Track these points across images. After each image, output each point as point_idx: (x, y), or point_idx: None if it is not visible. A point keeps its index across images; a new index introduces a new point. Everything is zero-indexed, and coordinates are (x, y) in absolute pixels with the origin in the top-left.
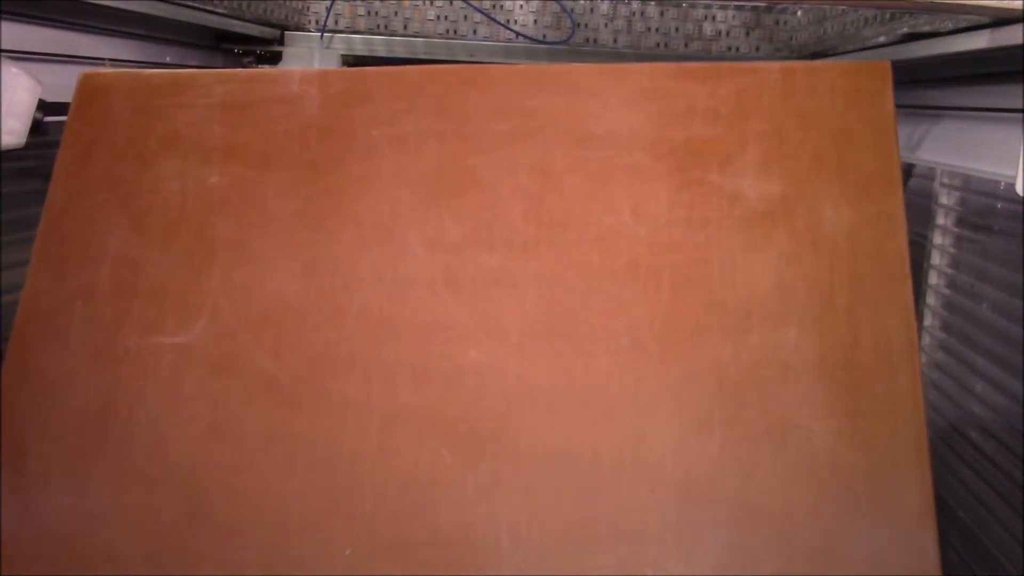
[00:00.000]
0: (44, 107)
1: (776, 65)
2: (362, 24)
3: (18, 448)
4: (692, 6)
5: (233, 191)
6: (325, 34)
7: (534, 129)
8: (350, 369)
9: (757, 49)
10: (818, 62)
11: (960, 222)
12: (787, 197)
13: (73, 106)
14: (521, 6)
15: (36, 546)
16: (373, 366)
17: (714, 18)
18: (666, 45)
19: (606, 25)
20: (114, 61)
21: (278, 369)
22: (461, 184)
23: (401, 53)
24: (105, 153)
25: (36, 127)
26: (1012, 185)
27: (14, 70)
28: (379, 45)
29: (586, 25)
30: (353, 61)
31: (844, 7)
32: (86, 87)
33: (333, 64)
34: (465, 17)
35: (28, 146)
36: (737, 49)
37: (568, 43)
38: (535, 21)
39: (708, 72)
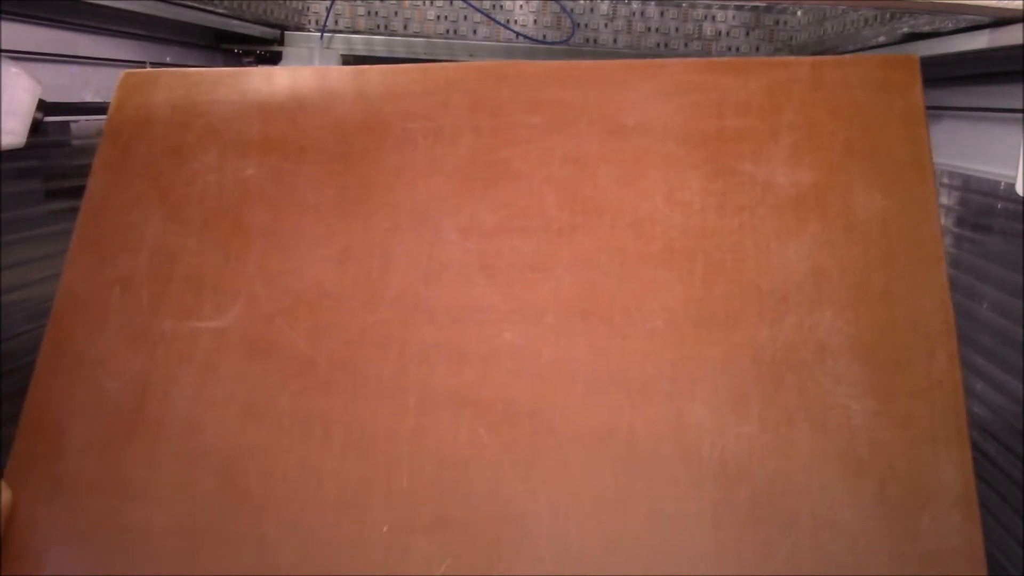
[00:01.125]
0: (44, 107)
1: (807, 60)
2: (362, 24)
3: (54, 428)
4: (692, 6)
5: (269, 182)
6: (325, 34)
7: (568, 121)
8: (386, 351)
9: (757, 49)
10: (847, 56)
11: (960, 222)
12: (819, 184)
13: (114, 103)
14: (521, 6)
15: (71, 522)
16: (409, 348)
17: (714, 18)
18: (666, 45)
19: (606, 25)
20: (115, 61)
21: (314, 351)
22: (495, 174)
23: (401, 53)
24: (144, 147)
25: (36, 127)
26: (1012, 185)
27: (14, 70)
28: (379, 45)
29: (586, 25)
30: (353, 61)
31: (844, 7)
32: (127, 84)
33: (333, 64)
34: (465, 17)
35: (28, 146)
36: (737, 49)
37: (568, 43)
38: (535, 21)
39: (739, 66)
